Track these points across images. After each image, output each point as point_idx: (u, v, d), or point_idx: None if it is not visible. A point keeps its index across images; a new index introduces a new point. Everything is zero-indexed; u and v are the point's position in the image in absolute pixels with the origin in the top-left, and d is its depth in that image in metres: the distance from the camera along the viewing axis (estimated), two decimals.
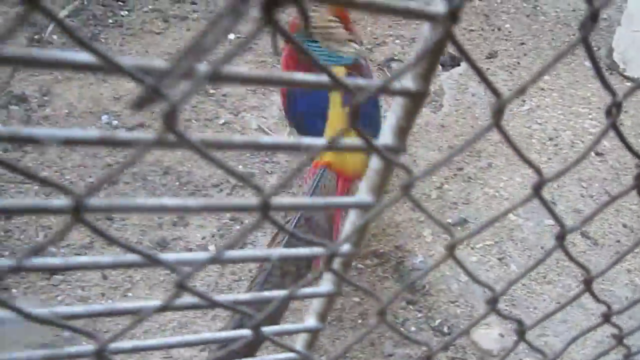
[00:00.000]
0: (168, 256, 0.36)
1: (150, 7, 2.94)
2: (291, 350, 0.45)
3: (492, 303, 0.46)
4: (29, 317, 0.31)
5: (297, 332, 0.48)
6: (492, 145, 2.16)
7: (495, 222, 0.42)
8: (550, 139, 2.20)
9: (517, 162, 2.11)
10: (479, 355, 1.57)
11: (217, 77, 0.27)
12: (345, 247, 0.43)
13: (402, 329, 1.59)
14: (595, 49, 2.77)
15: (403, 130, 0.37)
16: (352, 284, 0.42)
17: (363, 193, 0.42)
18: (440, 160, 0.36)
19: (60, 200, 0.26)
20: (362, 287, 0.41)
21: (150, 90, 0.24)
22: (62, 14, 2.78)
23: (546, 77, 2.48)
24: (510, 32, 2.83)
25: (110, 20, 2.81)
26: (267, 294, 0.41)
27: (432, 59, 0.33)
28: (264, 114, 2.31)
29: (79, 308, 0.37)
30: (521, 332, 0.53)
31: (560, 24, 2.85)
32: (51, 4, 2.83)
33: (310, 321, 0.50)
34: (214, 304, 0.37)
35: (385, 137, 0.38)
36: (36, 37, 2.62)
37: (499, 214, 0.44)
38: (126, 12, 2.90)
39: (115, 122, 2.20)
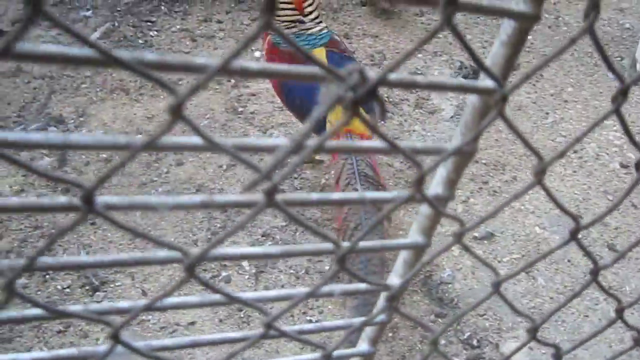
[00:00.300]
0: (247, 295, 0.41)
1: (178, 27, 3.04)
2: None
3: (533, 332, 0.51)
4: (136, 351, 0.37)
5: (351, 356, 0.53)
6: (517, 159, 2.19)
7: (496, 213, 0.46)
8: (575, 152, 2.22)
9: None
10: None
11: (226, 71, 0.28)
12: (397, 282, 0.48)
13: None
14: (618, 59, 2.78)
15: (452, 182, 0.42)
16: (404, 315, 0.47)
17: (415, 234, 0.47)
18: (492, 210, 0.41)
19: (67, 198, 0.31)
20: (413, 317, 0.46)
21: (261, 176, 0.29)
22: (95, 35, 2.89)
23: (569, 89, 2.50)
24: (532, 43, 2.86)
25: (141, 41, 2.91)
26: (330, 324, 0.47)
27: (482, 129, 0.38)
28: (291, 130, 2.37)
29: (168, 341, 0.42)
30: (558, 356, 0.57)
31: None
32: (84, 26, 2.95)
33: (364, 346, 0.55)
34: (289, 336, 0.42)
35: (436, 187, 0.43)
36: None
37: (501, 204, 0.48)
38: (155, 33, 3.00)
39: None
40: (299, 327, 0.46)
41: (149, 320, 1.58)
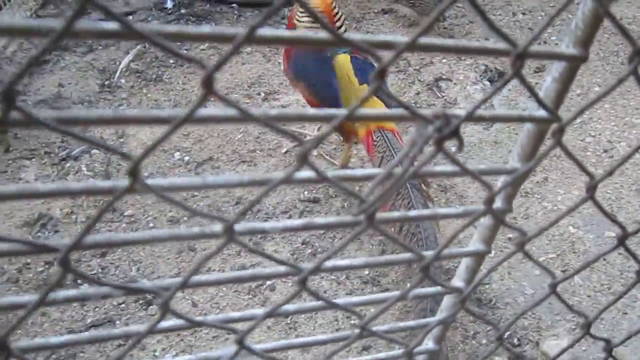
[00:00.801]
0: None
1: (206, 44, 3.14)
2: None
3: (586, 328, 0.56)
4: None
5: (423, 353, 0.59)
6: (547, 160, 2.22)
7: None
8: (605, 151, 2.24)
9: (572, 175, 2.16)
10: None
11: (252, 40, 0.30)
12: (463, 285, 0.54)
13: (473, 341, 1.67)
14: None
15: (510, 197, 0.48)
16: (472, 313, 0.53)
17: (476, 243, 0.53)
18: (552, 220, 0.47)
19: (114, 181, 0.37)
20: (478, 315, 0.52)
21: (368, 204, 0.36)
22: (127, 58, 3.01)
23: (596, 89, 2.53)
24: (557, 44, 2.89)
25: (172, 60, 3.02)
26: (408, 323, 0.53)
27: (541, 157, 0.45)
28: (323, 141, 2.44)
29: (277, 343, 0.49)
30: (609, 349, 0.63)
31: (607, 33, 2.89)
32: (116, 50, 3.08)
33: (430, 344, 0.61)
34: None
35: (497, 202, 0.49)
36: (106, 82, 2.84)
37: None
38: (185, 51, 3.12)
39: (187, 158, 2.38)
40: (387, 327, 0.53)
41: (201, 330, 1.66)
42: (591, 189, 0.45)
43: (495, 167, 0.44)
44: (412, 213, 0.45)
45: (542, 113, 0.42)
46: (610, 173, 0.45)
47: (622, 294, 0.59)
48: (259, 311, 0.41)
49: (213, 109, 0.33)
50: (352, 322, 1.68)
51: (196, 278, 0.38)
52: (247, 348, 0.41)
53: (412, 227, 1.52)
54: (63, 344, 0.40)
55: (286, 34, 0.32)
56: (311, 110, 0.36)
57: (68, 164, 2.35)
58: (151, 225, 2.04)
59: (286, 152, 2.41)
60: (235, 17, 3.33)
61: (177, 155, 2.40)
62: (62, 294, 0.37)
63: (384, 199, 0.36)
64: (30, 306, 0.34)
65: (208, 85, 0.29)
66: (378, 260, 0.45)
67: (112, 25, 0.28)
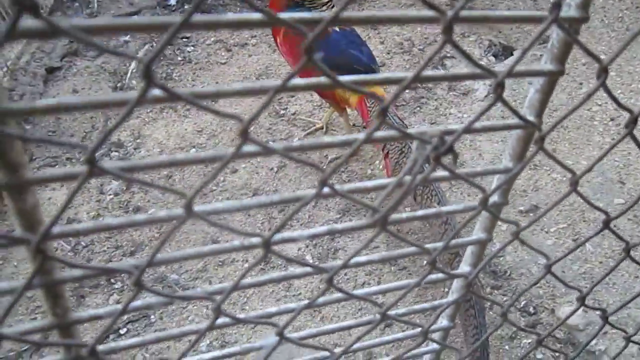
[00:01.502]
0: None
1: (212, 39, 3.20)
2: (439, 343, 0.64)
3: (581, 300, 0.63)
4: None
5: (437, 330, 0.66)
6: (555, 132, 2.26)
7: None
8: (612, 119, 2.27)
9: (580, 145, 2.20)
10: (566, 331, 1.70)
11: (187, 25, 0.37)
12: (469, 270, 0.61)
13: (491, 312, 1.75)
14: None
15: (506, 191, 0.55)
16: (479, 295, 0.60)
17: (479, 232, 0.60)
18: (548, 207, 0.53)
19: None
20: (484, 296, 0.59)
21: (382, 216, 0.43)
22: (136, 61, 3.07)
23: (602, 57, 2.53)
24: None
25: (180, 58, 3.09)
26: (423, 306, 0.60)
27: (527, 162, 0.51)
28: (333, 127, 2.50)
29: (311, 331, 0.57)
30: (605, 317, 0.69)
31: (611, 0, 2.89)
32: (125, 49, 3.14)
33: (444, 322, 0.68)
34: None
35: (494, 196, 0.56)
36: (118, 85, 2.92)
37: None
38: (192, 48, 3.17)
39: (203, 155, 2.46)
40: (405, 310, 0.60)
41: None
42: (573, 184, 0.51)
43: (489, 168, 0.51)
44: (420, 213, 0.52)
45: (528, 120, 0.49)
46: (589, 169, 0.51)
47: (612, 268, 0.66)
48: (294, 305, 0.49)
49: (247, 147, 0.40)
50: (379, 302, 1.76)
51: (244, 282, 0.46)
52: (287, 339, 0.49)
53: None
54: (139, 344, 0.48)
55: (223, 18, 0.37)
56: (327, 139, 0.43)
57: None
58: (183, 237, 2.13)
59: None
60: (238, 10, 3.37)
61: (192, 151, 2.48)
62: (133, 305, 0.45)
63: (394, 208, 0.43)
64: (115, 315, 0.42)
65: (245, 136, 0.35)
66: (392, 254, 0.52)
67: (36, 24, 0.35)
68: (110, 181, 2.38)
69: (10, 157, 0.35)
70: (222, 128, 2.56)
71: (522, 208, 2.04)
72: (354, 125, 2.44)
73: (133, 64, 3.03)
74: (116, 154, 2.53)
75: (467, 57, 0.39)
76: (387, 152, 1.88)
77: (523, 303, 1.78)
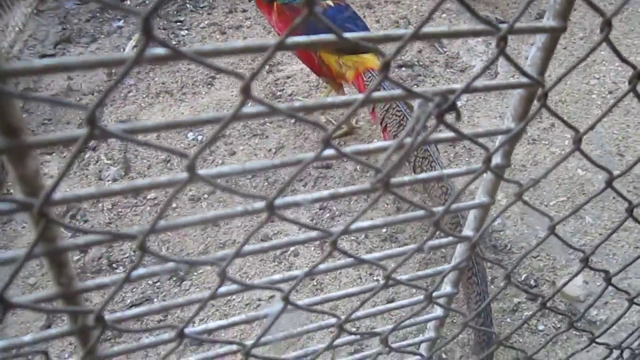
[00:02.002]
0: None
1: (206, 22, 3.17)
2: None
3: (585, 261, 0.63)
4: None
5: (442, 296, 0.66)
6: (553, 106, 2.25)
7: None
8: (610, 92, 2.27)
9: (578, 119, 2.20)
10: (567, 302, 1.71)
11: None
12: (472, 234, 0.61)
13: (492, 286, 1.76)
14: None
15: (508, 153, 0.55)
16: (483, 257, 0.60)
17: (481, 195, 0.60)
18: (544, 172, 0.53)
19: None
20: (488, 258, 0.59)
21: (383, 174, 0.42)
22: (130, 44, 3.05)
23: (599, 31, 2.52)
24: None
25: (174, 42, 3.06)
26: (427, 272, 0.60)
27: (530, 118, 0.51)
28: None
29: (316, 298, 0.57)
30: (608, 279, 0.70)
31: None
32: (119, 36, 3.12)
33: (448, 288, 0.69)
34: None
35: (496, 158, 0.55)
36: (113, 70, 2.89)
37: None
38: (186, 31, 3.14)
39: (200, 137, 2.45)
40: (408, 276, 0.60)
41: (234, 300, 1.76)
42: (577, 141, 0.51)
43: (491, 129, 0.51)
44: (422, 175, 0.52)
45: (533, 76, 0.48)
46: (591, 127, 0.51)
47: (615, 229, 0.66)
48: (299, 272, 0.49)
49: (250, 107, 0.40)
50: (375, 278, 1.77)
51: (246, 248, 0.46)
52: (292, 304, 0.49)
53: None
54: (145, 313, 0.48)
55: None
56: (329, 99, 0.42)
57: (87, 155, 2.43)
58: (174, 205, 2.13)
59: (295, 121, 2.46)
60: None
61: (190, 135, 2.47)
62: (135, 273, 0.45)
63: (397, 169, 0.43)
64: (117, 285, 0.42)
65: (247, 93, 0.35)
66: (396, 218, 0.52)
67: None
68: (109, 167, 2.38)
69: (10, 121, 0.35)
70: (219, 111, 2.55)
71: (522, 183, 2.04)
72: None
73: (127, 49, 3.00)
74: (113, 140, 2.52)
75: (469, 9, 0.39)
76: (385, 126, 1.88)
77: (524, 276, 1.79)
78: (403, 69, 2.59)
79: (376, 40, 0.40)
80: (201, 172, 0.41)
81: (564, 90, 2.34)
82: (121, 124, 0.38)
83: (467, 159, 2.12)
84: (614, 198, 1.94)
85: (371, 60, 1.93)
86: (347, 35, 0.38)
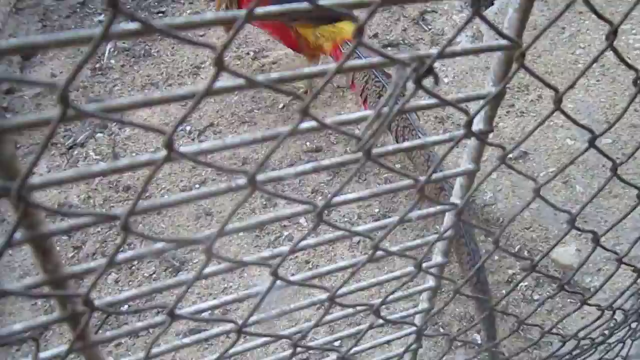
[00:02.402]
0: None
1: (188, 12, 3.14)
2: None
3: (572, 222, 0.64)
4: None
5: (433, 266, 0.67)
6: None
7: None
8: (596, 61, 2.27)
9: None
10: (561, 271, 1.73)
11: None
12: (459, 202, 0.62)
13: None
14: None
15: (491, 118, 0.55)
16: (472, 225, 0.60)
17: (466, 163, 0.60)
18: (526, 135, 0.53)
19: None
20: (479, 225, 0.59)
21: (364, 141, 0.42)
22: None
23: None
24: None
25: (157, 34, 3.03)
26: (416, 242, 0.61)
27: (508, 79, 0.51)
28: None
29: (306, 274, 0.57)
30: (596, 240, 0.70)
31: None
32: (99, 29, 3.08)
33: (439, 258, 0.69)
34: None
35: (478, 124, 0.55)
36: (97, 65, 2.86)
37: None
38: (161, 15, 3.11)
39: (188, 128, 2.44)
40: (397, 248, 0.60)
41: (230, 286, 1.77)
42: (557, 101, 0.51)
43: (471, 94, 0.51)
44: (405, 144, 0.51)
45: (510, 37, 0.48)
46: (572, 85, 0.51)
47: (600, 188, 0.66)
48: (285, 248, 0.49)
49: (226, 81, 0.40)
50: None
51: (230, 226, 0.46)
52: (282, 278, 0.49)
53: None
54: (135, 296, 0.48)
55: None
56: (306, 69, 0.42)
57: (76, 152, 2.41)
58: (165, 196, 2.13)
59: (283, 107, 2.45)
60: None
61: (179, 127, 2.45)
62: (122, 256, 0.45)
63: (377, 136, 0.43)
64: (101, 268, 0.42)
65: (220, 64, 0.35)
66: (382, 189, 0.52)
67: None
68: (98, 163, 2.36)
69: None
70: (206, 100, 2.53)
71: (510, 155, 2.05)
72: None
73: (110, 43, 2.97)
74: (101, 134, 2.50)
75: (492, 26, 0.39)
76: (366, 97, 1.89)
77: (517, 248, 1.81)
78: (389, 48, 2.57)
79: (350, 5, 0.40)
80: (181, 149, 0.41)
81: (550, 62, 2.34)
82: (96, 102, 0.38)
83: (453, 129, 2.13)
84: (603, 166, 1.96)
85: (348, 31, 1.92)
86: (321, 1, 0.38)
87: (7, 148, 0.37)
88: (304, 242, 0.49)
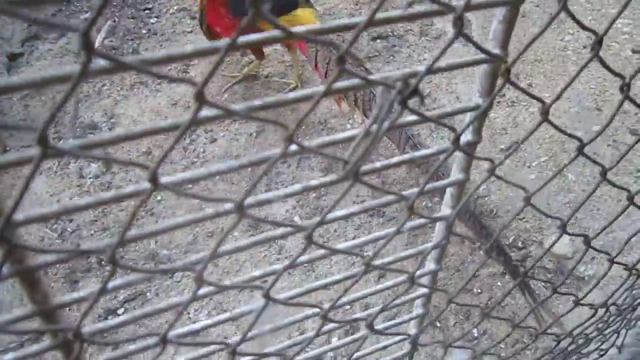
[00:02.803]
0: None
1: (175, 7, 3.10)
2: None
3: (563, 228, 0.64)
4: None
5: (426, 274, 0.67)
6: (529, 66, 2.25)
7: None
8: (585, 47, 2.27)
9: (555, 77, 2.20)
10: (555, 261, 1.74)
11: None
12: (449, 212, 0.62)
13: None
14: None
15: (479, 129, 0.54)
16: (461, 235, 0.60)
17: (456, 173, 0.60)
18: (518, 142, 0.53)
19: None
20: (468, 236, 0.59)
21: (351, 165, 0.42)
22: (100, 36, 2.98)
23: None
24: None
25: (144, 31, 2.99)
26: (408, 252, 0.61)
27: (495, 94, 0.50)
28: (309, 85, 2.47)
29: (309, 286, 0.57)
30: (588, 242, 0.70)
31: None
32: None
33: (432, 265, 0.69)
34: None
35: (466, 135, 0.55)
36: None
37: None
38: (155, 19, 3.08)
39: None
40: (391, 258, 0.60)
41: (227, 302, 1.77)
42: (544, 113, 0.50)
43: (458, 107, 0.50)
44: (394, 160, 0.51)
45: (494, 53, 0.48)
46: (558, 97, 0.51)
47: (589, 194, 0.66)
48: (278, 267, 0.49)
49: (206, 111, 0.39)
50: (366, 253, 1.78)
51: (222, 249, 0.45)
52: (274, 300, 0.49)
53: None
54: (124, 322, 0.47)
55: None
56: (291, 95, 0.41)
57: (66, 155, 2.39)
58: (158, 198, 2.12)
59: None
60: None
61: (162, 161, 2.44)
62: (112, 284, 0.44)
63: (364, 157, 0.42)
64: (92, 298, 0.41)
65: (201, 99, 0.34)
66: (371, 204, 0.51)
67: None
68: (89, 164, 2.35)
69: None
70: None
71: (502, 146, 2.05)
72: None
73: (97, 42, 2.93)
74: (91, 135, 2.49)
75: (474, 44, 0.38)
76: (316, 64, 1.92)
77: (512, 239, 1.82)
78: (378, 40, 2.56)
79: (329, 31, 0.39)
80: (164, 180, 0.41)
81: (539, 49, 2.34)
82: (76, 140, 0.37)
83: (448, 131, 2.13)
84: (594, 153, 1.96)
85: (306, 18, 1.92)
86: (298, 29, 0.37)
87: None
88: (299, 260, 0.49)
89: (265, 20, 0.33)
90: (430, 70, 0.44)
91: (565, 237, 1.79)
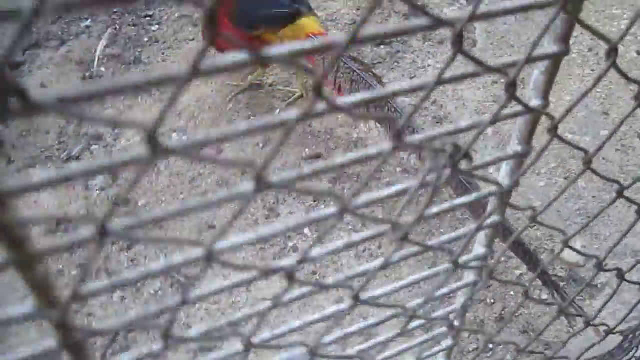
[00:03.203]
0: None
1: (176, 15, 3.09)
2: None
3: (564, 243, 0.63)
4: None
5: (473, 260, 0.65)
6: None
7: None
8: (590, 50, 2.26)
9: (561, 81, 2.19)
10: (567, 269, 1.74)
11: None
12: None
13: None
14: None
15: (515, 173, 0.54)
16: (517, 207, 0.58)
17: (493, 215, 0.60)
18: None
19: None
20: (522, 208, 0.58)
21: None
22: (102, 44, 2.97)
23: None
24: None
25: (145, 39, 2.98)
26: (454, 234, 0.60)
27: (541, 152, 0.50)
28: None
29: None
30: (599, 264, 0.70)
31: None
32: (88, 38, 3.03)
33: (480, 249, 0.67)
34: None
35: (504, 179, 0.55)
36: (87, 74, 2.82)
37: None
38: (157, 27, 3.06)
39: (184, 138, 2.40)
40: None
41: (239, 301, 1.76)
42: (587, 162, 0.50)
43: (499, 156, 0.50)
44: (434, 210, 0.51)
45: (536, 103, 0.47)
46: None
47: (598, 214, 0.65)
48: (264, 305, 0.48)
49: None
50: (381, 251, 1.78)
51: (232, 239, 0.45)
52: (255, 345, 0.48)
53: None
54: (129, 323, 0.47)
55: None
56: (284, 115, 0.41)
57: (73, 165, 2.38)
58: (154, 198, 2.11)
59: (279, 113, 2.44)
60: None
61: (174, 136, 2.43)
62: (119, 278, 0.44)
63: (416, 222, 0.42)
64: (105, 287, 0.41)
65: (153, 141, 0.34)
66: (364, 236, 0.50)
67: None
68: (96, 176, 2.34)
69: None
70: (201, 109, 2.50)
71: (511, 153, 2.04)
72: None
73: (99, 50, 2.92)
74: (96, 146, 2.48)
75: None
76: (339, 86, 1.93)
77: None
78: (382, 47, 2.55)
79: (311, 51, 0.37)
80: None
81: None
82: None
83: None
84: (603, 158, 1.96)
85: (310, 25, 1.90)
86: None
87: (40, 268, 0.36)
88: (284, 299, 0.48)
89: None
90: (481, 132, 0.44)
91: (577, 245, 1.79)
